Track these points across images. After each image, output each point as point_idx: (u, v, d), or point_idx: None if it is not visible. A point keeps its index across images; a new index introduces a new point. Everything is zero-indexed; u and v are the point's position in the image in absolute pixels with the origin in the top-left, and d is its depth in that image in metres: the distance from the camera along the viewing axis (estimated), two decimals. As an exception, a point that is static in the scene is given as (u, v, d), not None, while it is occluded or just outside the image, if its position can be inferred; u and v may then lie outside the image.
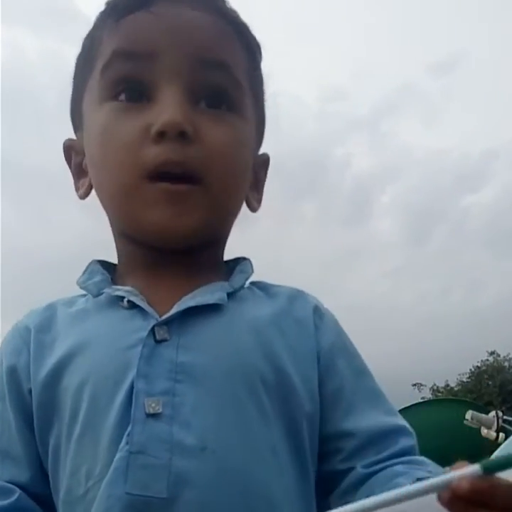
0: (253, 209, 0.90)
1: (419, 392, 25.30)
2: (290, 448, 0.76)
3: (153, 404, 0.71)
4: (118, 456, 0.70)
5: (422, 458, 0.78)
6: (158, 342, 0.75)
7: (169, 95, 0.78)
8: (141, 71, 0.79)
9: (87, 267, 0.89)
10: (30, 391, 0.80)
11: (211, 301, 0.79)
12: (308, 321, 0.84)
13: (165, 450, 0.70)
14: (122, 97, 0.80)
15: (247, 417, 0.74)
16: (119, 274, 0.87)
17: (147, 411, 0.71)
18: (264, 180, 0.93)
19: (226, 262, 0.91)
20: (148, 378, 0.73)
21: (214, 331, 0.78)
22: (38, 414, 0.79)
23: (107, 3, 0.86)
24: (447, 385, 25.89)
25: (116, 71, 0.80)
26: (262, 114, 0.91)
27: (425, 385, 25.62)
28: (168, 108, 0.77)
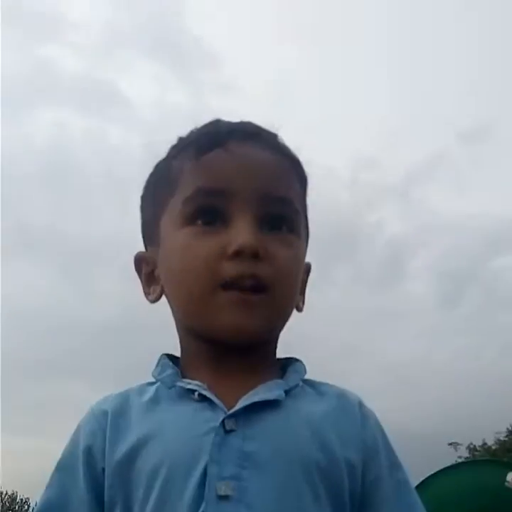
0: (299, 310, 1.03)
1: (456, 451, 24.58)
2: None
3: (223, 488, 0.81)
4: None
5: None
6: (227, 432, 0.85)
7: (242, 222, 0.91)
8: (218, 202, 0.93)
9: (159, 361, 1.00)
10: (103, 470, 0.89)
11: (271, 398, 0.90)
12: (355, 417, 0.94)
13: None
14: (199, 222, 0.93)
15: (304, 501, 0.84)
16: (185, 368, 0.97)
17: (218, 493, 0.80)
18: (306, 284, 1.07)
19: (278, 359, 1.01)
20: (220, 464, 0.83)
21: (274, 424, 0.88)
22: (110, 493, 0.88)
23: (182, 139, 1.01)
24: (484, 444, 25.12)
25: (197, 203, 0.94)
26: (308, 230, 1.06)
27: (461, 444, 24.91)
28: (243, 232, 0.90)
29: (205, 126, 1.01)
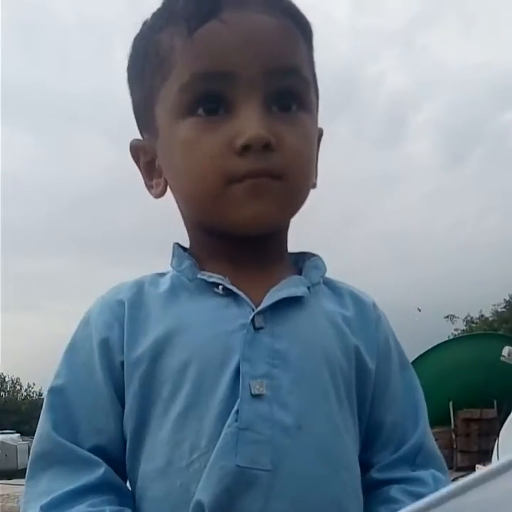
0: (313, 186, 0.96)
1: (453, 324, 25.14)
2: (354, 428, 0.88)
3: (257, 386, 0.80)
4: (227, 431, 0.78)
5: (426, 469, 0.89)
6: (256, 329, 0.84)
7: (249, 108, 0.84)
8: (219, 88, 0.85)
9: (174, 251, 0.96)
10: (122, 364, 0.86)
11: (298, 294, 0.88)
12: (371, 320, 0.94)
13: (268, 428, 0.79)
14: (200, 111, 0.86)
15: (330, 400, 0.84)
16: (199, 260, 0.93)
17: (253, 392, 0.80)
18: (318, 155, 0.98)
19: (290, 253, 0.98)
20: (252, 362, 0.82)
21: (301, 322, 0.87)
22: (131, 388, 0.85)
23: (168, 6, 0.90)
24: (482, 315, 25.67)
25: (194, 91, 0.85)
26: (317, 90, 0.97)
27: (458, 317, 25.39)
28: (250, 122, 0.83)
29: None
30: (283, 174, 0.86)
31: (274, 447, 0.79)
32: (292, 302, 0.88)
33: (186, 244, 0.98)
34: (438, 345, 8.89)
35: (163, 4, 0.92)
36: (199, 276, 0.90)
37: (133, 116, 0.99)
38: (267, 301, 0.86)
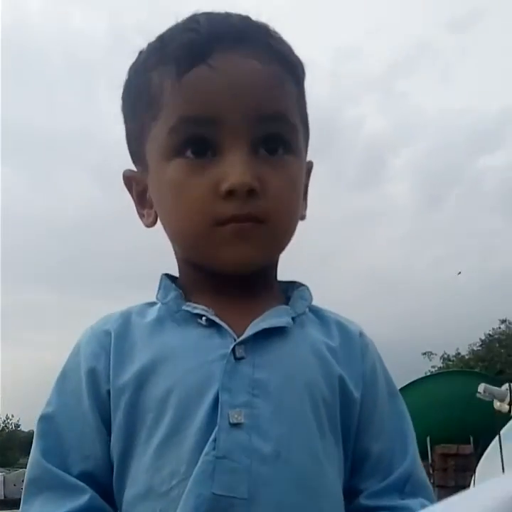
0: (303, 218, 0.98)
1: (430, 360, 25.23)
2: (338, 458, 0.88)
3: (236, 415, 0.81)
4: (204, 459, 0.79)
5: (417, 497, 0.89)
6: (237, 359, 0.85)
7: (235, 153, 0.86)
8: (206, 132, 0.87)
9: (161, 282, 0.98)
10: (108, 392, 0.88)
11: (280, 325, 0.89)
12: (356, 349, 0.95)
13: (245, 456, 0.80)
14: (188, 153, 0.87)
15: (310, 429, 0.85)
16: (187, 291, 0.95)
17: (231, 421, 0.81)
18: (308, 188, 1.00)
19: (280, 282, 1.00)
20: (231, 392, 0.83)
21: (283, 352, 0.88)
22: (117, 415, 0.87)
23: (160, 44, 0.91)
24: (458, 354, 25.77)
25: (182, 134, 0.87)
26: (308, 131, 0.98)
27: (436, 354, 25.49)
28: (235, 168, 0.85)
29: (184, 29, 0.90)
30: (266, 218, 0.87)
31: (251, 476, 0.79)
32: (275, 333, 0.88)
33: (174, 272, 1.00)
34: (416, 380, 8.94)
35: (159, 41, 0.93)
36: (184, 307, 0.91)
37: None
38: (249, 331, 0.87)
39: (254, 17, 0.92)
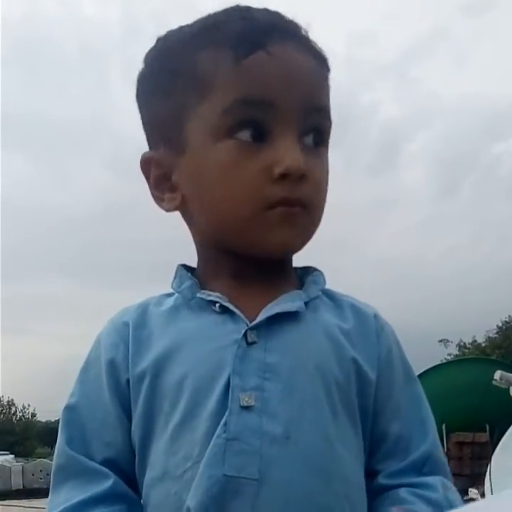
0: None
1: (446, 348, 25.14)
2: (356, 441, 0.90)
3: (246, 398, 0.84)
4: (216, 441, 0.82)
5: (434, 476, 0.91)
6: (249, 344, 0.87)
7: (287, 139, 0.89)
8: (260, 115, 0.89)
9: (177, 272, 1.00)
10: (127, 381, 0.92)
11: (293, 309, 0.91)
12: (371, 331, 0.96)
13: (256, 438, 0.82)
14: (240, 135, 0.89)
15: (323, 412, 0.86)
16: (203, 279, 0.97)
17: (241, 404, 0.83)
18: None
19: (295, 268, 1.02)
20: (242, 375, 0.85)
21: (295, 336, 0.90)
22: (137, 403, 0.90)
23: (213, 26, 0.92)
24: (474, 341, 25.67)
25: (237, 115, 0.89)
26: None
27: (452, 341, 25.40)
28: (289, 152, 0.88)
29: (239, 17, 0.92)
30: (310, 205, 0.91)
31: (262, 457, 0.82)
32: (288, 317, 0.90)
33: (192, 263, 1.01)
34: (431, 368, 8.91)
35: (208, 24, 0.94)
36: (198, 295, 0.93)
37: (143, 129, 1.00)
38: (261, 316, 0.89)
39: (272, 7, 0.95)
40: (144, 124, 1.01)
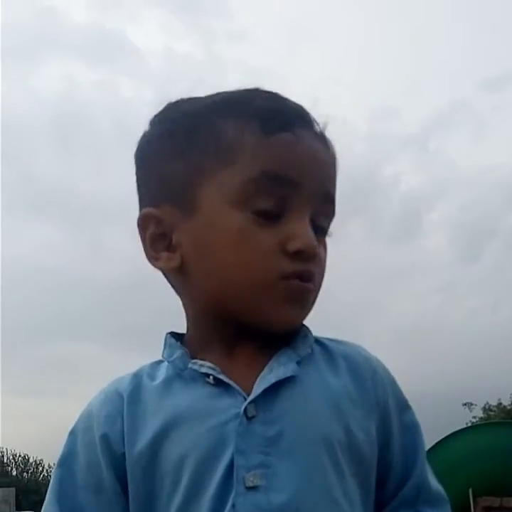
0: None
1: (470, 411, 24.72)
2: (362, 496, 0.89)
3: (251, 479, 0.82)
4: None
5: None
6: (249, 419, 0.85)
7: (303, 218, 0.91)
8: (283, 191, 0.90)
9: (166, 341, 0.98)
10: (123, 455, 0.89)
11: (287, 375, 0.89)
12: (365, 377, 0.95)
13: None
14: (259, 206, 0.90)
15: (329, 478, 0.85)
16: (192, 347, 0.96)
17: (247, 484, 0.82)
18: None
19: None
20: (245, 454, 0.83)
21: (293, 403, 0.88)
22: (135, 480, 0.88)
23: (235, 98, 0.95)
24: (500, 404, 25.23)
25: (262, 186, 0.90)
26: None
27: (476, 405, 24.96)
28: (305, 231, 0.90)
29: (266, 97, 0.95)
30: (317, 284, 0.93)
31: None
32: (283, 383, 0.88)
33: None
34: (456, 431, 8.76)
35: (226, 97, 0.96)
36: (190, 365, 0.91)
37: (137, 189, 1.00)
38: (258, 388, 0.87)
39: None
40: (143, 182, 1.00)
